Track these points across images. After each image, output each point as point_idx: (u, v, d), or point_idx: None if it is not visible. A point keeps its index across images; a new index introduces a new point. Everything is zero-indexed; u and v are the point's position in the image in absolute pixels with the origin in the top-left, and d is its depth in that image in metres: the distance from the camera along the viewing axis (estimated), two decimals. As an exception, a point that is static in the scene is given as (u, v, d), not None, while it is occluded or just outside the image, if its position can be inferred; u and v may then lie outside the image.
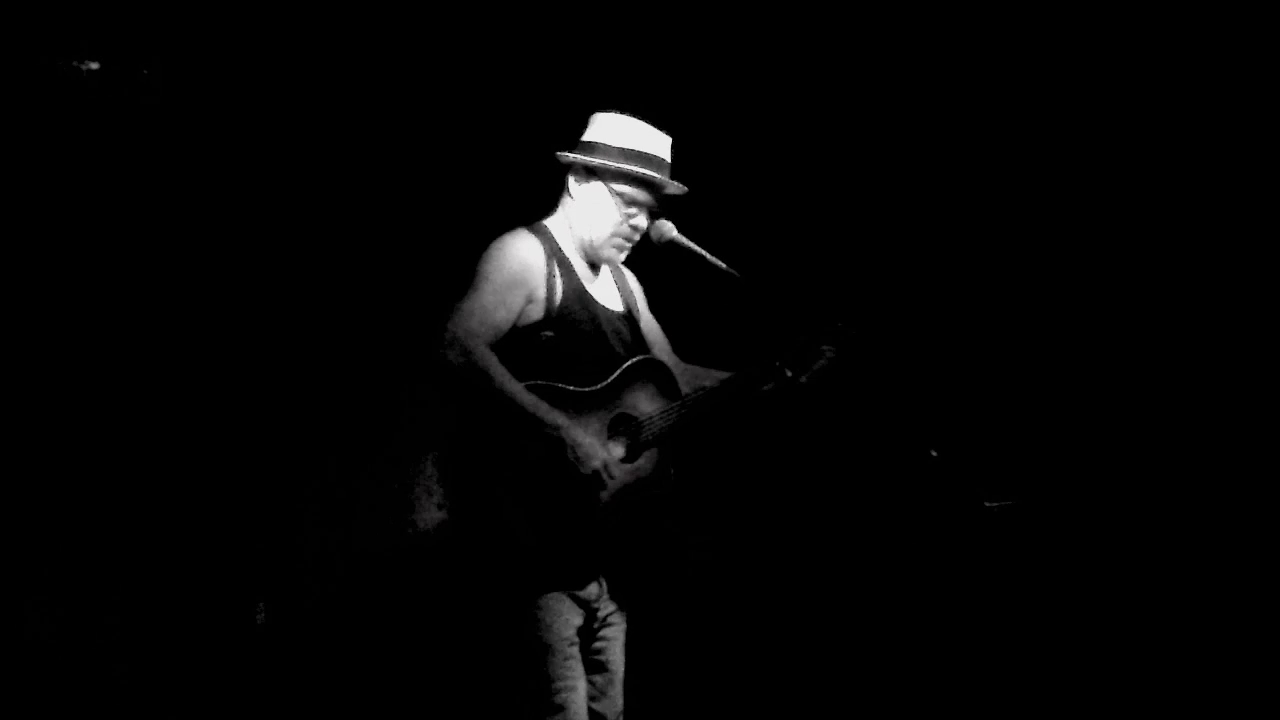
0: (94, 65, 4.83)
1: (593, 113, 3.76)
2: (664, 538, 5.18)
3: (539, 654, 3.50)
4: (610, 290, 3.77)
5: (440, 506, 4.66)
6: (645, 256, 3.82)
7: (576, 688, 3.53)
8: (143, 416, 4.86)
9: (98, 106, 4.84)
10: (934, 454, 3.82)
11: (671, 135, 3.76)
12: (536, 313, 3.57)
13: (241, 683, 4.84)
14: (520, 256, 3.57)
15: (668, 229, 3.78)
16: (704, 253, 3.76)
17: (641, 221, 3.71)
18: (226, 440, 4.93)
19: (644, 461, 3.60)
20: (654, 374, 3.69)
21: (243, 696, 4.83)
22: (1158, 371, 4.89)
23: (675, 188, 3.74)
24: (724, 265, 3.75)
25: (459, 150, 5.07)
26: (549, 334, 3.57)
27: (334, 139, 5.02)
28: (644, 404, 3.64)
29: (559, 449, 3.45)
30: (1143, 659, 4.75)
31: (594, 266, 3.74)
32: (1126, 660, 4.77)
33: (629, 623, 3.75)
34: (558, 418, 3.46)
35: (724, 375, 3.74)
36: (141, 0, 4.86)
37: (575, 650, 3.56)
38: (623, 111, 3.72)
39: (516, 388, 3.45)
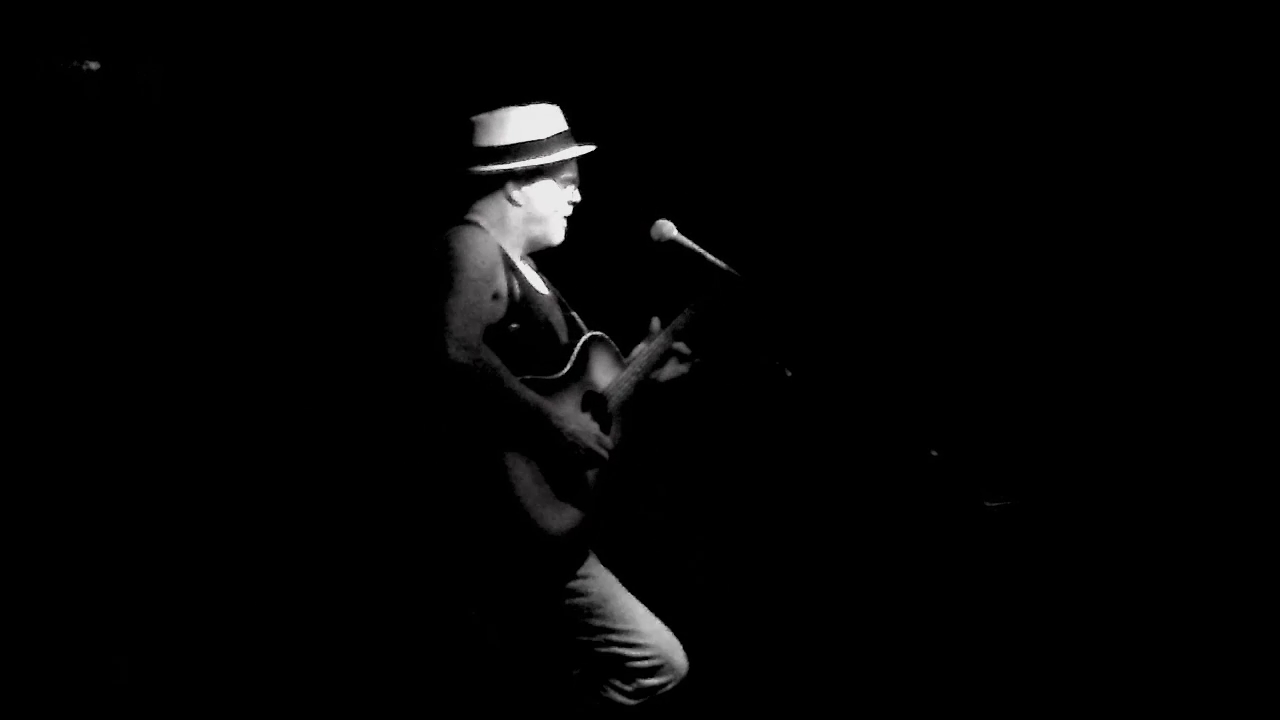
0: (94, 65, 4.83)
1: (471, 117, 3.74)
2: (662, 538, 5.18)
3: (602, 609, 3.67)
4: (537, 279, 3.81)
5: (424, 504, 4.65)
6: (645, 256, 3.82)
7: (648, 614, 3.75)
8: (141, 416, 4.86)
9: (98, 106, 4.84)
10: (934, 454, 3.83)
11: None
12: (500, 309, 3.61)
13: (241, 683, 4.84)
14: (487, 254, 3.60)
15: (668, 229, 3.80)
16: (704, 252, 3.78)
17: (577, 192, 3.76)
18: (225, 439, 4.93)
19: (614, 429, 3.74)
20: (605, 348, 3.80)
21: (243, 696, 4.83)
22: (1157, 371, 4.89)
23: (590, 147, 3.77)
24: (724, 265, 3.76)
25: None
26: (515, 326, 3.62)
27: (333, 138, 5.02)
28: (603, 377, 3.75)
29: (556, 438, 3.55)
30: (1142, 658, 4.75)
31: (522, 259, 3.77)
32: (1126, 660, 4.77)
33: None
34: (551, 407, 3.56)
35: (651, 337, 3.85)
36: (141, 0, 4.86)
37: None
38: (502, 105, 3.72)
39: (519, 384, 3.52)
